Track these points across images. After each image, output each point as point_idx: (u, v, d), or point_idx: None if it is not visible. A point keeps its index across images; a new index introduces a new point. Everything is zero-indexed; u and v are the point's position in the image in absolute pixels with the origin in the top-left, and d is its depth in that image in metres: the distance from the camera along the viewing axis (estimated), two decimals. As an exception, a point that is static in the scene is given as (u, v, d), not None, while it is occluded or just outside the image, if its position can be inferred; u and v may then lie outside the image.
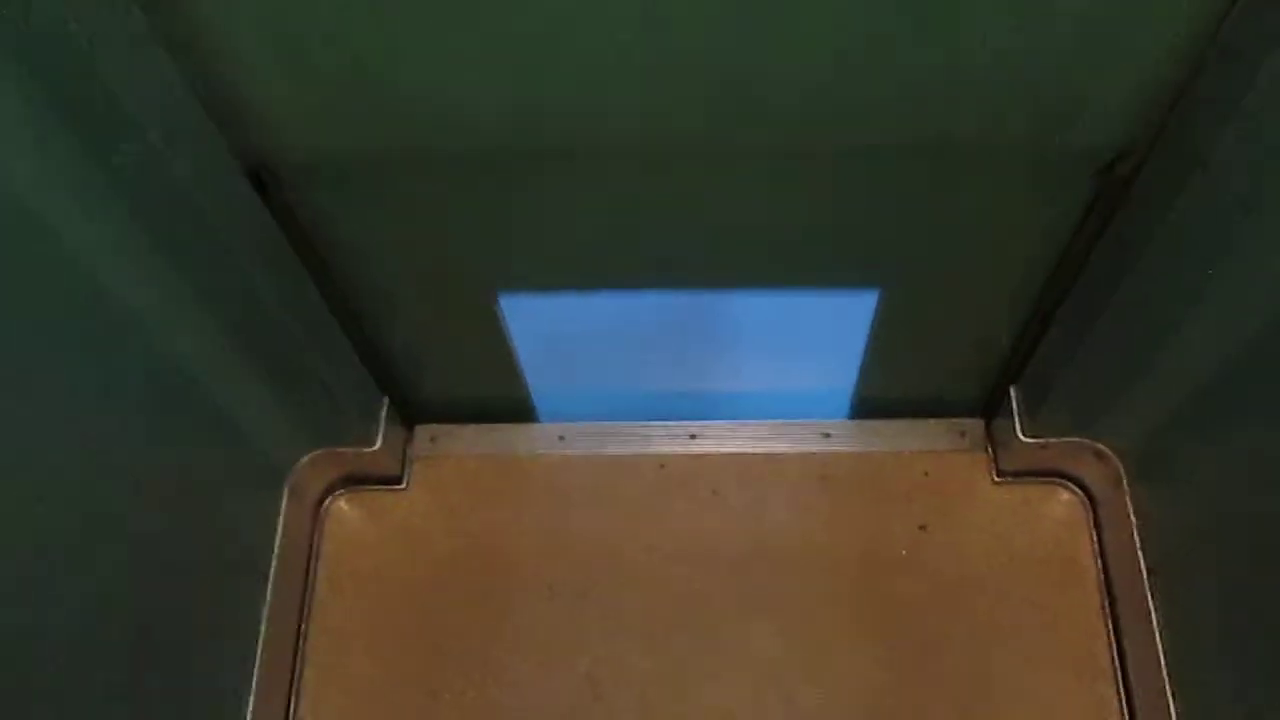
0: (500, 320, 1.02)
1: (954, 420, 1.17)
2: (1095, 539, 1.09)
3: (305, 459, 1.09)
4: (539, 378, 1.16)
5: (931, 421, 1.17)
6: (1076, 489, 1.12)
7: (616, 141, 0.77)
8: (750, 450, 1.17)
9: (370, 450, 1.10)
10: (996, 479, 1.14)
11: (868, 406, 1.17)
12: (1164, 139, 0.73)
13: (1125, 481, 1.06)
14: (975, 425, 1.16)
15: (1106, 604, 1.06)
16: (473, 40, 0.66)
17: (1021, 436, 1.06)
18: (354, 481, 1.16)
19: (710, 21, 0.65)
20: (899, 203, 0.85)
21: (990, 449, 1.15)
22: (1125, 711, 1.02)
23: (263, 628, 1.02)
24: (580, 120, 0.74)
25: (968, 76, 0.69)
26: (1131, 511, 1.04)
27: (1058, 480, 1.12)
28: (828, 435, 1.17)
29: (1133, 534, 1.03)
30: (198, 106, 0.70)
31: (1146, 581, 1.00)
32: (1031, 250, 0.91)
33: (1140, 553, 1.02)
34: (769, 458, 1.16)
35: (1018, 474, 1.13)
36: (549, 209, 0.86)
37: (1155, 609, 0.99)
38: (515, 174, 0.81)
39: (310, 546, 1.12)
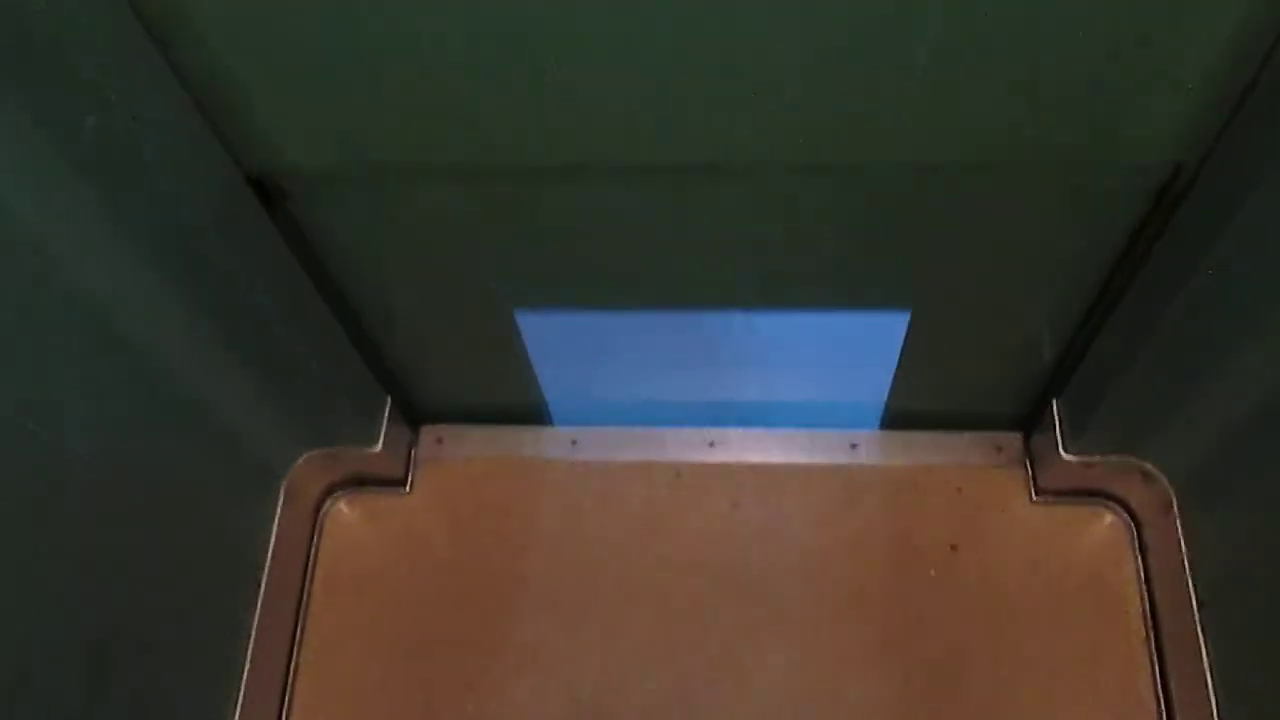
0: (511, 321, 0.96)
1: (990, 434, 1.10)
2: (1140, 565, 1.02)
3: (302, 459, 1.05)
4: (551, 378, 1.10)
5: (966, 435, 1.10)
6: (1121, 511, 1.05)
7: (637, 160, 0.74)
8: (772, 460, 1.11)
9: (372, 451, 1.05)
10: (1034, 497, 1.07)
11: (898, 417, 1.10)
12: (1220, 153, 0.68)
13: (1175, 505, 0.98)
14: (1013, 440, 1.10)
15: (1151, 636, 0.99)
16: (489, 57, 0.65)
17: (1063, 453, 1.00)
18: (355, 483, 1.11)
19: (733, 35, 0.62)
20: (941, 216, 0.80)
21: (1028, 465, 1.08)
22: (1168, 755, 0.95)
23: (254, 634, 0.98)
24: (601, 138, 0.72)
25: (1015, 94, 0.65)
26: (1182, 538, 0.97)
27: (1100, 501, 1.06)
28: (855, 446, 1.10)
29: (1183, 562, 0.96)
30: (196, 114, 0.67)
31: (1197, 614, 0.94)
32: (1081, 261, 0.85)
33: (1191, 582, 0.95)
34: (792, 469, 1.10)
35: (1057, 493, 1.06)
36: (568, 225, 0.83)
37: (1206, 645, 0.92)
38: (531, 189, 0.79)
39: (307, 549, 1.08)
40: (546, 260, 0.88)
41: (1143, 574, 1.02)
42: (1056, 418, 1.01)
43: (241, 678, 0.95)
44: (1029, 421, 1.08)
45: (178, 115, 0.67)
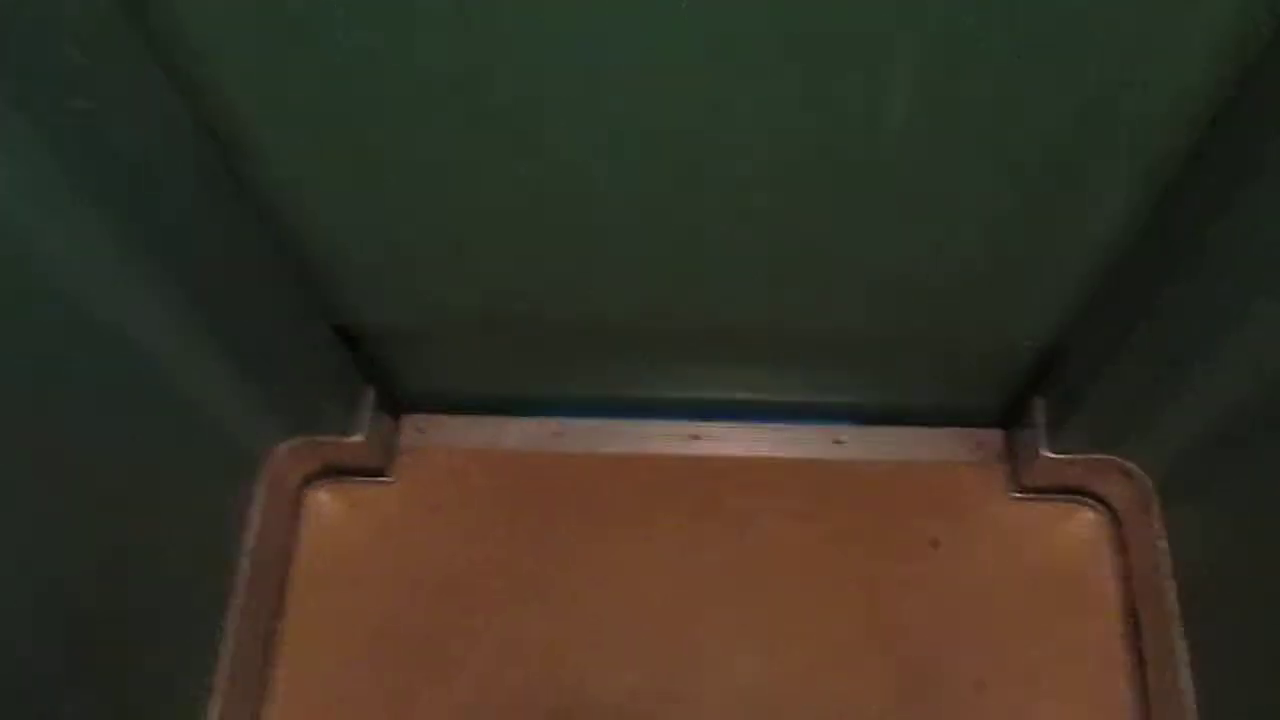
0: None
1: (971, 430, 1.10)
2: (1120, 562, 1.03)
3: (283, 447, 1.04)
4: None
5: (947, 431, 1.10)
6: (1101, 508, 1.05)
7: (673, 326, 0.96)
8: (754, 454, 1.10)
9: (353, 440, 1.04)
10: (1015, 494, 1.07)
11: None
12: (1215, 143, 0.67)
13: (1156, 502, 0.99)
14: (994, 436, 1.10)
15: (1130, 633, 0.99)
16: (554, 238, 0.83)
17: (1044, 450, 1.00)
18: (335, 472, 1.10)
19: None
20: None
21: (1009, 462, 1.08)
22: (1146, 752, 0.95)
23: (233, 622, 0.96)
24: (642, 305, 0.92)
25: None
26: (1162, 535, 0.97)
27: (1081, 498, 1.06)
28: (839, 441, 1.10)
29: (1162, 560, 0.96)
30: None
31: (1176, 612, 0.94)
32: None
33: (1170, 579, 0.95)
34: (773, 463, 1.10)
35: (1038, 490, 1.06)
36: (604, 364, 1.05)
37: (1184, 643, 0.92)
38: (576, 340, 0.99)
39: (286, 540, 1.07)
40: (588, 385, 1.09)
41: (1122, 571, 1.02)
42: (1038, 415, 1.01)
43: (219, 665, 0.94)
44: (1010, 418, 1.08)
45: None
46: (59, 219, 0.67)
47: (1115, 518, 1.04)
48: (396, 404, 1.12)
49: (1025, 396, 1.03)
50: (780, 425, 1.11)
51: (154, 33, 0.63)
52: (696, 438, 1.11)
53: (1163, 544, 0.97)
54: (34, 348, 0.68)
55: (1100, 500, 1.05)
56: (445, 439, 1.13)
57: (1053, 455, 1.00)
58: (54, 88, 0.60)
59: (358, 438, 1.04)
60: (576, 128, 0.71)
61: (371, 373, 1.05)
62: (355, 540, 1.08)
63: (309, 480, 1.10)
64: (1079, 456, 1.00)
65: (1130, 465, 1.00)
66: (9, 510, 0.67)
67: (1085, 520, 1.05)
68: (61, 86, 0.60)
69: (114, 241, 0.71)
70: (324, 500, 1.10)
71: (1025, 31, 0.61)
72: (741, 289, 0.90)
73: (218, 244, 0.77)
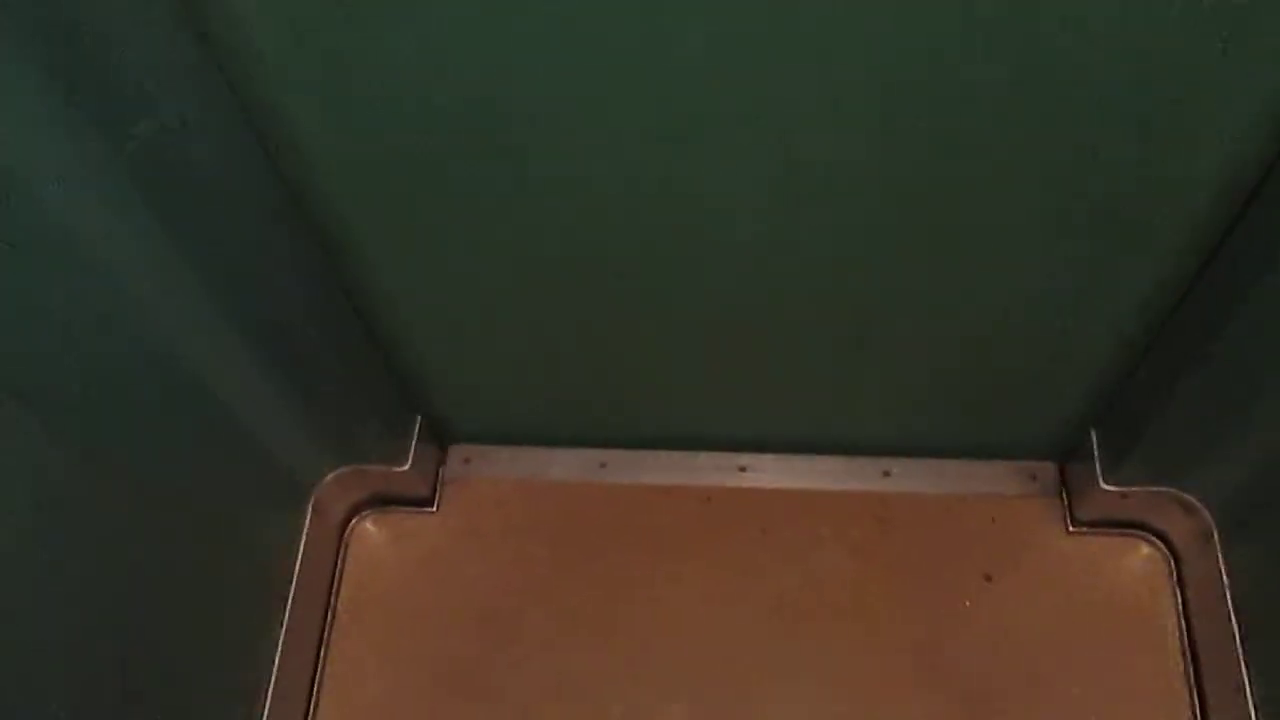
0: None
1: (1025, 463, 1.09)
2: (1179, 598, 1.00)
3: (331, 476, 1.04)
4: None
5: (1001, 463, 1.09)
6: (1159, 543, 1.03)
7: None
8: (803, 486, 1.09)
9: (400, 470, 1.04)
10: (1070, 528, 1.05)
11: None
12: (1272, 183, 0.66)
13: (1216, 537, 0.96)
14: (1048, 469, 1.08)
15: (1190, 671, 0.97)
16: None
17: (1101, 483, 0.98)
18: (382, 502, 1.10)
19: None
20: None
21: (1064, 495, 1.06)
22: (1210, 795, 0.93)
23: (279, 653, 0.96)
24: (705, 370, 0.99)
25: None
26: (1223, 571, 0.95)
27: (1138, 532, 1.04)
28: (888, 474, 1.09)
29: (1225, 595, 0.94)
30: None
31: (1240, 648, 0.91)
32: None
33: (1233, 616, 0.93)
34: (823, 495, 1.08)
35: (1094, 524, 1.04)
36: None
37: (1250, 680, 0.90)
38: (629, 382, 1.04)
39: (333, 569, 1.07)
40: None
41: (1181, 607, 1.00)
42: (1094, 447, 0.99)
43: (266, 696, 0.94)
44: (1065, 451, 1.07)
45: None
46: (145, 264, 0.68)
47: (1174, 552, 1.02)
48: (443, 434, 1.12)
49: (1081, 428, 1.01)
50: (829, 457, 1.10)
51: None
52: (744, 469, 1.10)
53: (1223, 579, 0.95)
54: (108, 379, 0.69)
55: (1158, 535, 1.03)
56: (490, 469, 1.12)
57: (1109, 488, 0.98)
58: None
59: (404, 468, 1.04)
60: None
61: (418, 402, 1.05)
62: (400, 570, 1.07)
63: (355, 510, 1.09)
64: (1136, 489, 0.98)
65: (1189, 498, 0.98)
66: (68, 533, 0.67)
67: (1143, 555, 1.03)
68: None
69: (191, 281, 0.73)
70: (370, 530, 1.10)
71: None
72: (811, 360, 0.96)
73: (279, 280, 0.77)
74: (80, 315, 0.65)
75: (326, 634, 1.04)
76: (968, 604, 1.02)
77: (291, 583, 0.99)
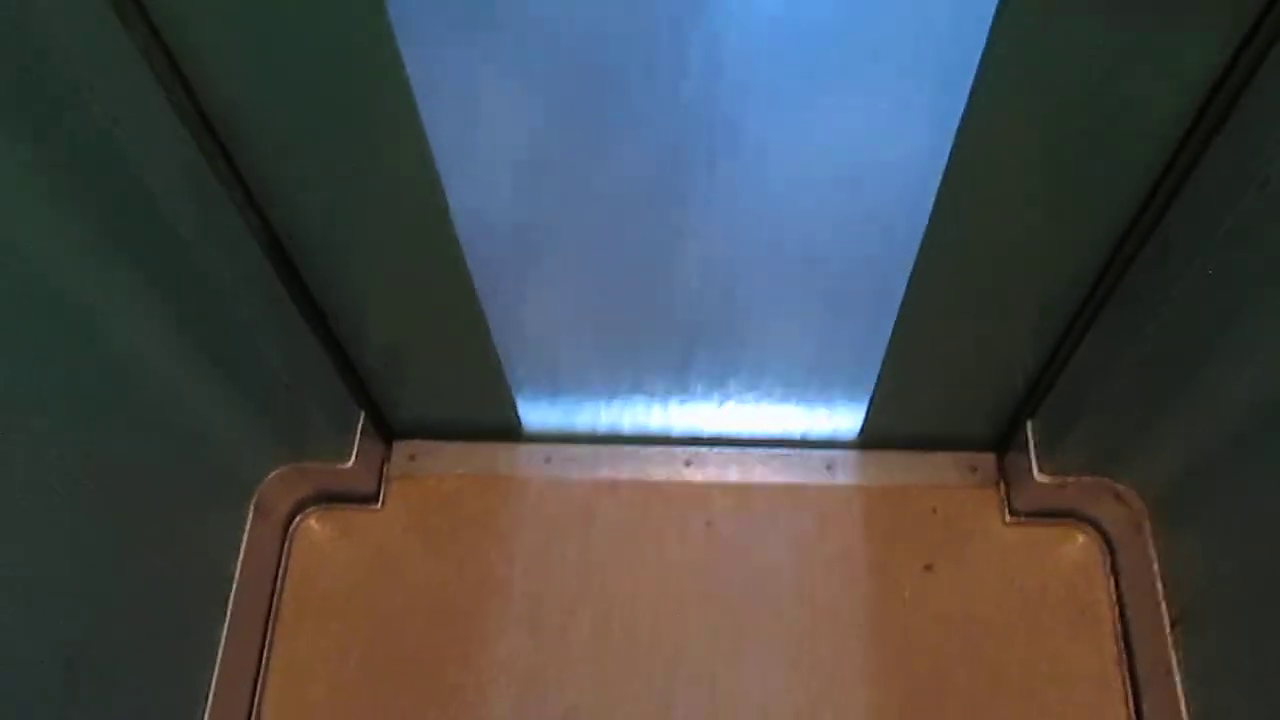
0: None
1: (964, 454, 1.10)
2: (1113, 585, 1.03)
3: (274, 474, 1.03)
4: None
5: (941, 455, 1.10)
6: (1094, 531, 1.05)
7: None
8: (748, 480, 1.10)
9: (344, 466, 1.03)
10: (1008, 518, 1.07)
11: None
12: (1209, 156, 0.67)
13: (1148, 525, 0.99)
14: (987, 460, 1.10)
15: (1124, 656, 1.00)
16: None
17: (1036, 474, 1.00)
18: (326, 499, 1.09)
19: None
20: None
21: (1002, 486, 1.08)
22: (1142, 775, 0.95)
23: (220, 655, 0.95)
24: None
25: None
26: (1155, 557, 0.97)
27: (1073, 521, 1.06)
28: (830, 467, 1.10)
29: (1155, 582, 0.96)
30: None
31: (1170, 634, 0.94)
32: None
33: (1163, 602, 0.95)
34: (768, 488, 1.10)
35: (1031, 513, 1.06)
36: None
37: (1179, 664, 0.92)
38: None
39: (276, 567, 1.05)
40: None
41: (1115, 593, 1.02)
42: (1029, 438, 1.01)
43: (209, 693, 0.93)
44: (1003, 442, 1.09)
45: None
46: (86, 255, 0.68)
47: (1108, 541, 1.05)
48: (388, 430, 1.12)
49: (1017, 420, 1.03)
50: (772, 451, 1.11)
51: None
52: (689, 463, 1.11)
53: (1155, 566, 0.97)
54: (48, 372, 0.68)
55: (1092, 523, 1.05)
56: (436, 465, 1.12)
57: (1045, 479, 1.00)
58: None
59: (349, 464, 1.03)
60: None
61: (362, 398, 1.04)
62: (345, 568, 1.07)
63: (299, 507, 1.08)
64: (1071, 479, 1.00)
65: (1122, 488, 1.01)
66: (6, 530, 0.66)
67: (1078, 543, 1.06)
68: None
69: (133, 275, 0.72)
70: (314, 528, 1.09)
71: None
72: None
73: (219, 276, 0.76)
74: (16, 313, 0.64)
75: (270, 633, 1.03)
76: (908, 594, 1.04)
77: (234, 582, 0.98)
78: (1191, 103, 0.65)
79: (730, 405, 1.13)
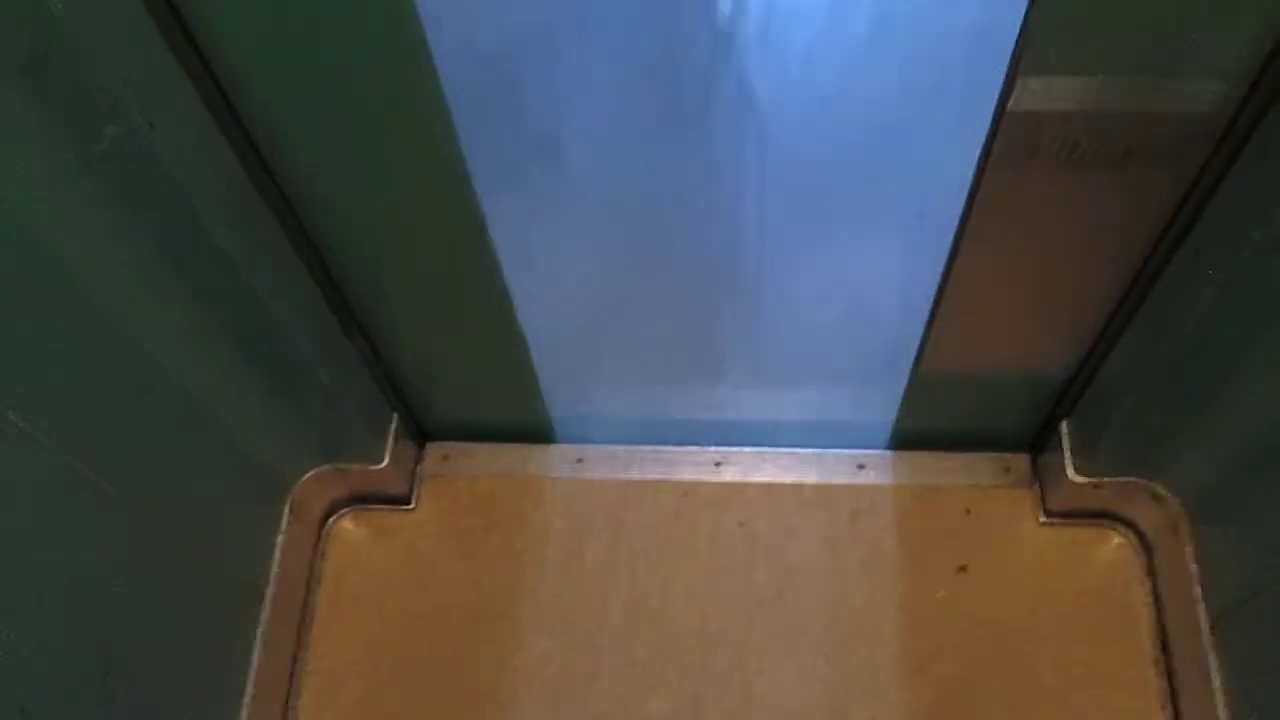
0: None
1: (998, 455, 1.10)
2: (1150, 587, 1.02)
3: (308, 475, 1.04)
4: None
5: (974, 455, 1.10)
6: (1130, 532, 1.04)
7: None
8: (779, 480, 1.10)
9: (378, 467, 1.04)
10: (1043, 519, 1.06)
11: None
12: (1242, 161, 0.67)
13: (1185, 526, 0.98)
14: (1021, 460, 1.09)
15: (1161, 659, 0.99)
16: None
17: (1071, 474, 0.99)
18: (359, 500, 1.10)
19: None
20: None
21: (1037, 486, 1.07)
22: (1180, 779, 0.94)
23: (256, 655, 0.96)
24: None
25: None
26: (1192, 559, 0.96)
27: (1109, 522, 1.05)
28: (862, 467, 1.10)
29: (1193, 583, 0.95)
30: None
31: (1208, 637, 0.93)
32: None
33: (1201, 603, 0.94)
34: (799, 489, 1.09)
35: (1066, 514, 1.05)
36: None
37: (1217, 668, 0.91)
38: None
39: (311, 568, 1.06)
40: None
41: (1153, 596, 1.01)
42: (1064, 438, 1.00)
43: (244, 694, 0.94)
44: (1037, 442, 1.08)
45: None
46: (116, 260, 0.68)
47: (1144, 542, 1.04)
48: (421, 431, 1.12)
49: (1052, 420, 1.02)
50: (804, 451, 1.11)
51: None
52: (720, 464, 1.11)
53: (1193, 567, 0.96)
54: (83, 377, 0.69)
55: (1129, 524, 1.04)
56: (469, 466, 1.12)
57: (1080, 479, 0.99)
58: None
59: (382, 465, 1.04)
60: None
61: (397, 399, 1.05)
62: (379, 568, 1.08)
63: (333, 508, 1.09)
64: (1106, 480, 0.99)
65: (1158, 488, 0.99)
66: (43, 534, 0.67)
67: (1114, 544, 1.05)
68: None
69: (165, 279, 0.72)
70: (348, 528, 1.10)
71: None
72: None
73: (255, 279, 0.77)
74: (56, 319, 0.65)
75: (305, 633, 1.04)
76: (941, 595, 1.03)
77: (269, 582, 0.99)
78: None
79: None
